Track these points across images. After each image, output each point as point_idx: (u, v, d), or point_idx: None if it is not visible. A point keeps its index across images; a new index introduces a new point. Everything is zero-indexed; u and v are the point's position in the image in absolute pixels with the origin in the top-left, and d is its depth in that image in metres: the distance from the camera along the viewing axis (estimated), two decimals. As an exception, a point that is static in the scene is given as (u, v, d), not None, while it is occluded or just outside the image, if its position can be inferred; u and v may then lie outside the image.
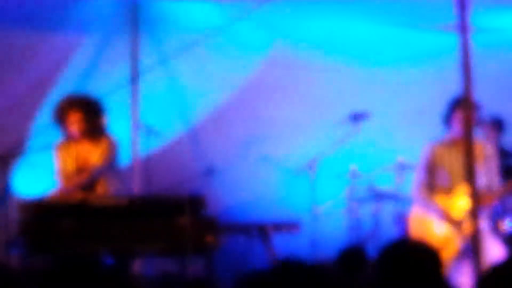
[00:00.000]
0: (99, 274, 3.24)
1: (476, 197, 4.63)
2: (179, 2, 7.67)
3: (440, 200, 5.97)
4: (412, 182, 6.21)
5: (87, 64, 7.46)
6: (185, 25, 7.67)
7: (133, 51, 7.59)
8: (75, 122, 6.00)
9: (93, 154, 6.03)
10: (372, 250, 6.65)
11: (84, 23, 7.47)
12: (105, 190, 5.96)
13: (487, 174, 5.95)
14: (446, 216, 5.90)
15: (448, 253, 5.75)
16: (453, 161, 5.89)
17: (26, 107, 7.23)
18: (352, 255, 5.82)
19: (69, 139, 6.08)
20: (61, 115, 6.04)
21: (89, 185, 5.97)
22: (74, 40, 7.49)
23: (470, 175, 4.56)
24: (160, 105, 7.67)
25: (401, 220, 7.40)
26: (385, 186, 7.64)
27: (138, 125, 7.47)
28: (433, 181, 6.03)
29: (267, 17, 7.73)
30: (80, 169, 6.01)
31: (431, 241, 5.87)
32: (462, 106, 5.53)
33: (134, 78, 7.50)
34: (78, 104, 6.02)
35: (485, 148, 6.06)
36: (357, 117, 7.43)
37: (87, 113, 6.00)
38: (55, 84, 7.24)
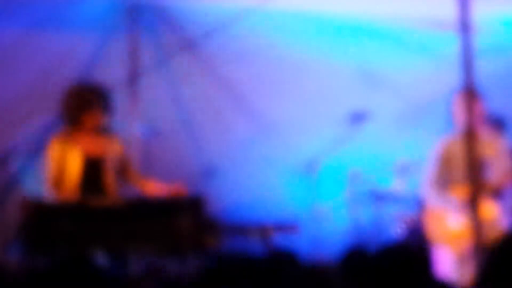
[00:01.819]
0: (97, 274, 3.23)
1: (477, 192, 4.63)
2: (179, 2, 7.65)
3: (456, 193, 5.93)
4: (424, 178, 6.18)
5: (87, 64, 7.44)
6: (185, 25, 7.66)
7: (133, 51, 7.58)
8: (97, 113, 5.74)
9: (102, 150, 5.84)
10: (372, 251, 6.63)
11: (84, 23, 7.46)
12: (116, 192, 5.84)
13: (500, 168, 5.91)
14: (463, 208, 5.84)
15: (464, 246, 5.71)
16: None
17: (25, 106, 7.22)
18: (353, 256, 5.80)
19: (76, 130, 5.79)
20: (80, 102, 5.74)
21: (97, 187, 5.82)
22: (74, 40, 7.48)
23: (472, 170, 4.55)
24: (160, 105, 7.65)
25: (401, 221, 7.40)
26: (385, 187, 7.63)
27: (138, 125, 7.45)
28: (448, 176, 6.00)
29: (267, 17, 7.72)
30: (89, 164, 5.79)
31: (448, 235, 5.88)
32: (466, 98, 5.51)
33: (134, 78, 7.48)
34: (101, 94, 5.76)
35: (497, 142, 6.04)
36: (357, 117, 7.42)
37: (106, 105, 5.78)
38: (55, 84, 7.22)
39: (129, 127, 7.49)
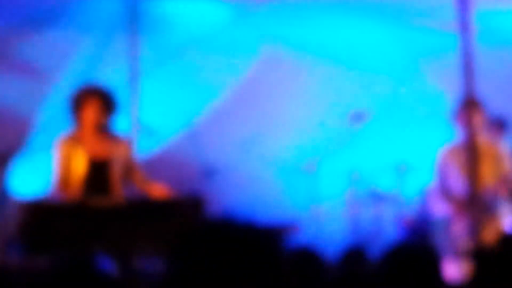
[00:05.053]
0: (98, 275, 3.22)
1: (476, 197, 4.63)
2: (179, 2, 7.65)
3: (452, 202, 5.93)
4: (430, 188, 6.17)
5: (87, 63, 7.44)
6: (185, 25, 7.66)
7: (133, 51, 7.57)
8: (92, 112, 5.72)
9: (108, 152, 5.84)
10: (372, 251, 6.63)
11: (84, 23, 7.46)
12: (120, 194, 5.83)
13: (497, 174, 5.91)
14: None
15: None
16: (465, 164, 5.82)
17: (25, 106, 7.22)
18: (353, 256, 5.80)
19: (79, 131, 5.77)
20: (77, 102, 5.72)
21: (102, 188, 5.80)
22: (74, 39, 7.48)
23: (471, 176, 4.56)
24: (160, 105, 7.65)
25: (401, 221, 7.39)
26: (385, 187, 7.62)
27: (138, 125, 7.44)
28: (448, 185, 6.00)
29: (267, 17, 7.72)
30: (94, 166, 5.78)
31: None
32: (467, 108, 5.50)
33: (134, 78, 7.48)
34: (98, 94, 5.74)
35: (496, 148, 6.03)
36: (357, 117, 7.42)
37: (105, 105, 5.74)
38: (55, 84, 7.22)
39: (129, 127, 7.49)
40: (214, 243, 2.33)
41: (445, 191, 5.98)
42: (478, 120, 5.67)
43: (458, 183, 5.88)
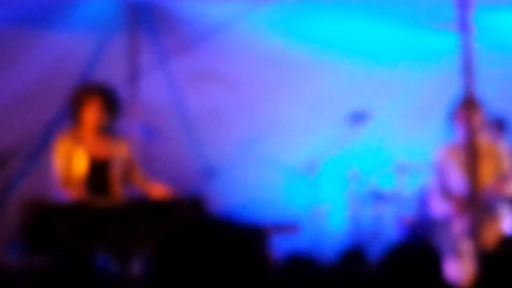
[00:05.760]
0: (97, 275, 3.22)
1: (476, 196, 4.64)
2: (179, 2, 7.65)
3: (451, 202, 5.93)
4: (430, 189, 6.18)
5: (87, 63, 7.44)
6: (185, 25, 7.65)
7: (133, 51, 7.57)
8: (93, 111, 5.70)
9: (108, 152, 5.82)
10: (372, 251, 6.64)
11: (84, 23, 7.46)
12: (120, 194, 5.82)
13: (497, 174, 5.91)
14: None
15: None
16: (465, 163, 5.83)
17: (25, 106, 7.22)
18: (353, 256, 5.81)
19: (80, 130, 5.76)
20: (78, 101, 5.71)
21: (103, 188, 5.79)
22: (74, 39, 7.47)
23: (471, 176, 4.57)
24: (160, 105, 7.65)
25: (402, 221, 7.40)
26: (385, 187, 7.63)
27: (138, 125, 7.44)
28: (448, 184, 6.00)
29: (267, 17, 7.72)
30: (94, 165, 5.76)
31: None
32: (467, 108, 5.51)
33: (134, 78, 7.48)
34: (99, 93, 5.71)
35: (495, 148, 6.03)
36: (358, 117, 7.43)
37: (106, 104, 5.71)
38: (55, 84, 7.22)
39: (129, 127, 7.49)
40: (199, 242, 2.34)
41: (444, 191, 5.99)
42: (478, 120, 5.68)
43: (457, 182, 5.88)
